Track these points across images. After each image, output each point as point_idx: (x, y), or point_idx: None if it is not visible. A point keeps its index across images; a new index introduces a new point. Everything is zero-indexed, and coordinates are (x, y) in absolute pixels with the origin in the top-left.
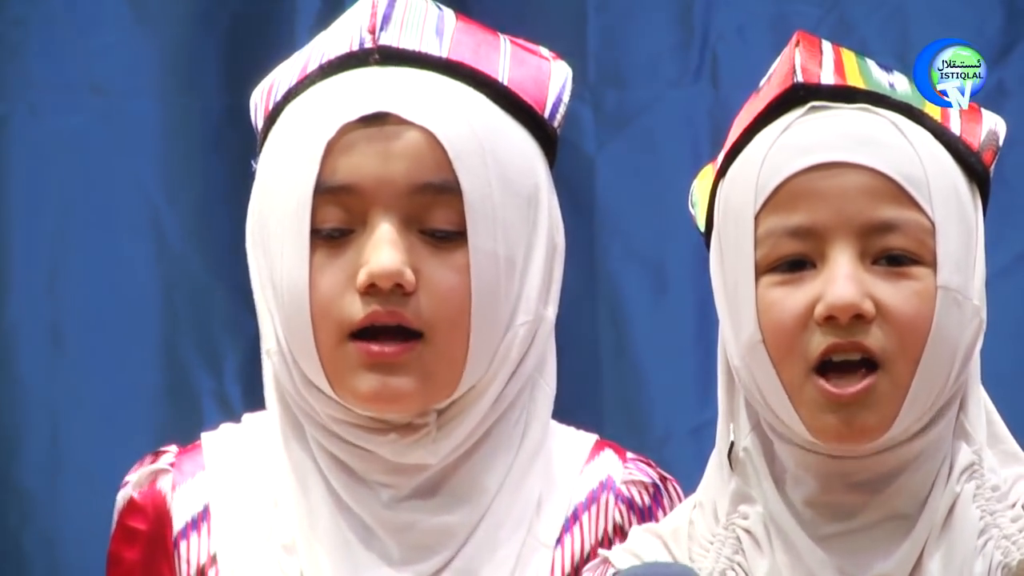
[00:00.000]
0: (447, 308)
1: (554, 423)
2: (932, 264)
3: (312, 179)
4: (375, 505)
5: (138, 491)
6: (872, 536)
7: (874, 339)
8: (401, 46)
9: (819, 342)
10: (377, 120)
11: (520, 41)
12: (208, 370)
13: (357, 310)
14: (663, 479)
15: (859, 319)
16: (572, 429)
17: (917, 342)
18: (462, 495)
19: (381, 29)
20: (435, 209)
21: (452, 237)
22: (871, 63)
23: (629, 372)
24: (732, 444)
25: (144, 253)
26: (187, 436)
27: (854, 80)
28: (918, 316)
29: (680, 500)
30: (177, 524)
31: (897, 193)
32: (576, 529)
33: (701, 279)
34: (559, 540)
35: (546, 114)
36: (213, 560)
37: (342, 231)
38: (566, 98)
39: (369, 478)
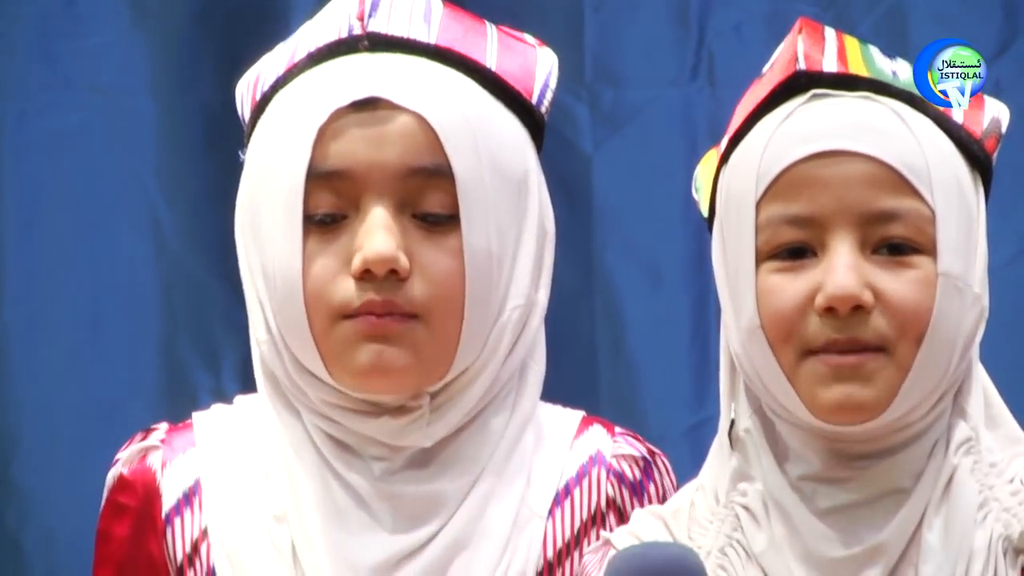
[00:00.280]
0: (441, 292)
1: (541, 402)
2: (933, 252)
3: (304, 165)
4: (367, 476)
5: (127, 467)
6: (870, 509)
7: (874, 329)
8: (390, 32)
9: (818, 332)
10: (368, 105)
11: (506, 28)
12: (206, 368)
13: (352, 296)
14: (652, 453)
15: (859, 309)
16: (559, 407)
17: (918, 330)
18: (453, 465)
19: (369, 16)
20: (427, 193)
21: (444, 221)
22: (874, 50)
23: (625, 370)
24: (732, 424)
25: (142, 251)
26: None
27: (856, 68)
28: (919, 305)
29: (670, 474)
30: (168, 501)
31: (898, 182)
32: (568, 503)
33: (698, 277)
34: (550, 512)
35: (534, 100)
36: (205, 534)
37: (334, 216)
38: (553, 84)
39: (362, 452)
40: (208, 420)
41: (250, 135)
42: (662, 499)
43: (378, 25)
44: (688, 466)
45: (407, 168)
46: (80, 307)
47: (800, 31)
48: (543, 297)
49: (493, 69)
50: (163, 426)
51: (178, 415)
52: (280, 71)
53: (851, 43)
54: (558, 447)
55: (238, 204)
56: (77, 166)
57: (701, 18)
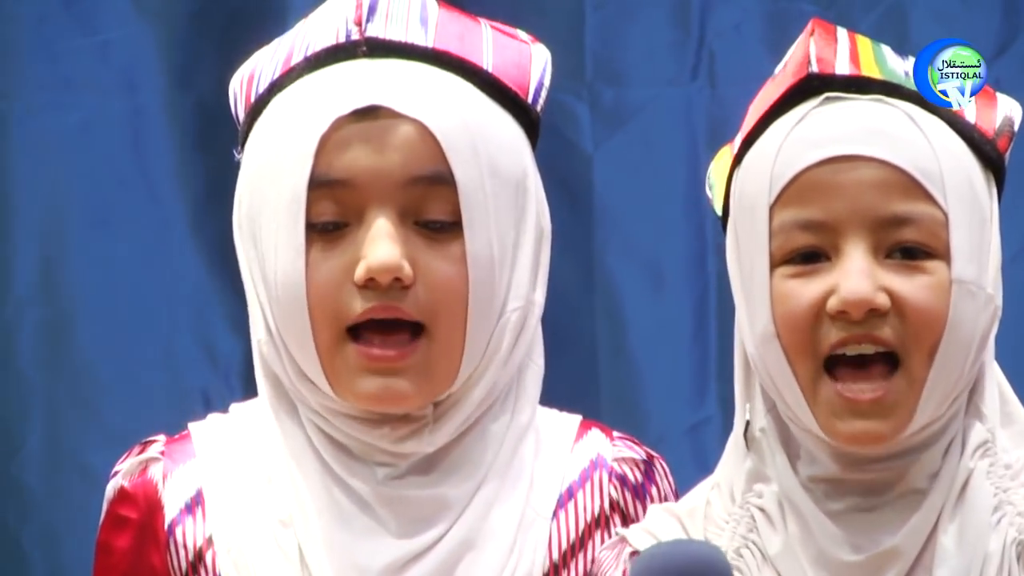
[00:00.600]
0: (445, 299)
1: (539, 407)
2: (946, 256)
3: (306, 173)
4: (370, 480)
5: (128, 480)
6: (885, 511)
7: (888, 332)
8: (388, 37)
9: (832, 335)
10: (370, 113)
11: (499, 25)
12: (209, 367)
13: (355, 304)
14: (651, 456)
15: (873, 313)
16: (555, 411)
17: (932, 335)
18: (457, 469)
19: (367, 21)
20: (429, 201)
21: (446, 228)
22: (886, 50)
23: (626, 370)
24: (748, 424)
25: (144, 250)
26: None
27: (869, 70)
28: (933, 309)
29: (668, 477)
30: (170, 512)
31: (911, 186)
32: (571, 506)
33: (698, 276)
34: (554, 515)
35: (529, 99)
36: (210, 542)
37: (337, 224)
38: (547, 82)
39: (365, 457)
40: (206, 430)
41: (246, 135)
42: (663, 501)
43: (376, 30)
44: (689, 465)
45: (409, 177)
46: (81, 305)
47: (812, 32)
48: (540, 297)
49: (489, 70)
50: (161, 438)
51: (180, 413)
52: (277, 73)
53: (863, 43)
54: (558, 451)
55: (236, 205)
56: (78, 164)
57: (701, 18)
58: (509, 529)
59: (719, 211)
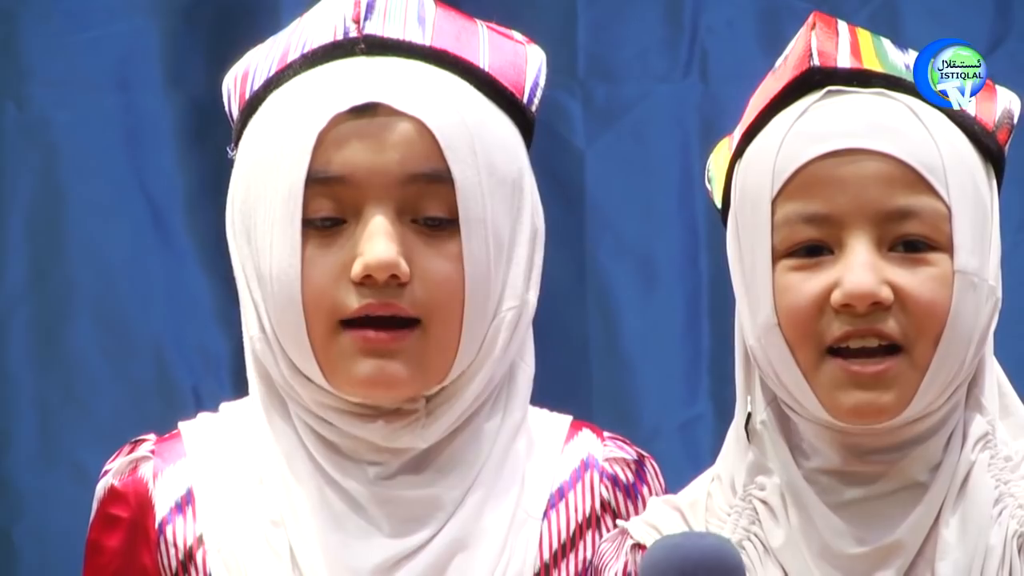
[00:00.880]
0: (441, 296)
1: (530, 406)
2: (948, 249)
3: (303, 170)
4: (362, 480)
5: (119, 479)
6: (887, 504)
7: (892, 325)
8: (386, 35)
9: (836, 328)
10: (368, 111)
11: (495, 26)
12: (201, 365)
13: (351, 301)
14: (641, 456)
15: (877, 307)
16: (545, 411)
17: (935, 326)
18: (448, 469)
19: (366, 18)
20: (426, 199)
21: (443, 225)
22: (887, 43)
23: (618, 367)
24: (749, 416)
25: (135, 247)
26: None
27: (870, 63)
28: (936, 301)
29: (659, 478)
30: (160, 511)
31: (914, 179)
32: (562, 505)
33: (690, 273)
34: (545, 515)
35: (524, 99)
36: (200, 541)
37: (334, 220)
38: (542, 82)
39: (356, 457)
40: (196, 429)
41: (239, 133)
42: None
43: (374, 28)
44: (681, 462)
45: (407, 174)
46: (73, 303)
47: (813, 25)
48: (533, 297)
49: (486, 70)
50: (151, 437)
51: (171, 411)
52: (272, 70)
53: (864, 37)
54: (549, 452)
55: (229, 203)
56: (70, 161)
57: (693, 14)
58: (500, 529)
59: (719, 204)
